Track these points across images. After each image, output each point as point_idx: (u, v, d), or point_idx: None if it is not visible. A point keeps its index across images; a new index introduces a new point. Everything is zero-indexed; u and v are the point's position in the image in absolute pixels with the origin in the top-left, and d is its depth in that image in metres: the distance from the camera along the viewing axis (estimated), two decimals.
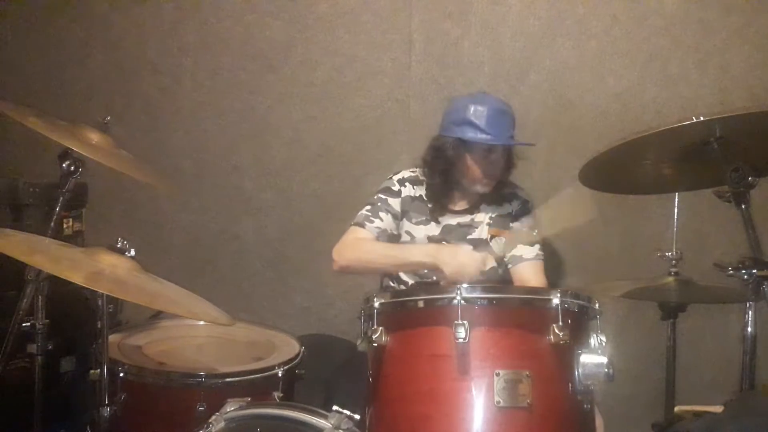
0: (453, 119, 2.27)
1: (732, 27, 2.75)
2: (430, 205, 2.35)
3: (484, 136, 2.20)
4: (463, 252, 2.11)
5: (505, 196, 2.38)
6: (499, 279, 2.34)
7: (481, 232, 2.34)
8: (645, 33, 2.81)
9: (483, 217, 2.35)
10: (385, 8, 2.98)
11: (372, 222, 2.28)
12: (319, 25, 3.04)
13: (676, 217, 2.23)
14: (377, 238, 2.28)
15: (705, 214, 2.63)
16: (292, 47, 3.07)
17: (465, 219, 2.36)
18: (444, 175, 2.31)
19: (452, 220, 2.35)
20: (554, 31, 2.87)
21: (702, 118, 1.64)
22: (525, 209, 2.39)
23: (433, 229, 2.35)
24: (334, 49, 3.04)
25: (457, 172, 2.29)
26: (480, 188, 2.30)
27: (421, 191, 2.36)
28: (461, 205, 2.37)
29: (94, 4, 3.22)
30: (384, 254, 2.25)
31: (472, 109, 2.22)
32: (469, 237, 2.33)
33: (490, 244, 2.33)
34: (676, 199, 2.25)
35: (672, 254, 2.17)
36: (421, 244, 2.31)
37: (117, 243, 1.72)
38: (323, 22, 3.04)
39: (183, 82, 3.17)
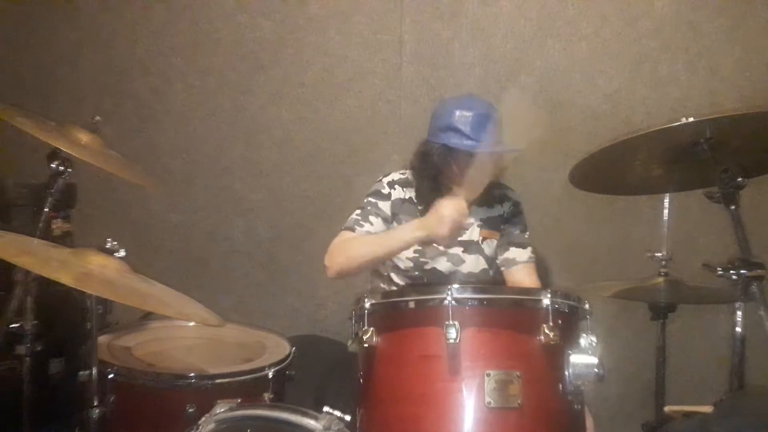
0: (439, 125, 2.23)
1: (721, 29, 2.77)
2: (420, 207, 2.34)
3: (468, 142, 2.16)
4: (442, 209, 2.05)
5: (496, 198, 2.38)
6: (491, 280, 2.35)
7: (472, 233, 2.33)
8: (635, 34, 2.82)
9: (474, 219, 2.35)
10: (376, 9, 2.98)
11: (362, 226, 2.26)
12: (310, 25, 3.04)
13: (666, 217, 2.24)
14: None
15: (695, 215, 2.63)
16: (283, 48, 3.06)
17: None
18: (433, 181, 2.28)
19: None
20: (545, 33, 2.88)
21: (692, 119, 1.65)
22: (516, 210, 2.39)
23: None
24: (325, 49, 3.04)
25: (446, 178, 2.27)
26: (468, 195, 2.24)
27: (411, 193, 2.35)
28: None
29: (85, 5, 3.21)
30: (374, 244, 2.21)
31: (457, 114, 2.18)
32: (459, 239, 2.31)
33: (482, 246, 2.33)
34: (666, 200, 2.25)
35: (662, 255, 2.19)
36: (406, 224, 2.24)
37: (106, 244, 1.71)
38: (314, 23, 3.04)
39: (173, 82, 3.16)
